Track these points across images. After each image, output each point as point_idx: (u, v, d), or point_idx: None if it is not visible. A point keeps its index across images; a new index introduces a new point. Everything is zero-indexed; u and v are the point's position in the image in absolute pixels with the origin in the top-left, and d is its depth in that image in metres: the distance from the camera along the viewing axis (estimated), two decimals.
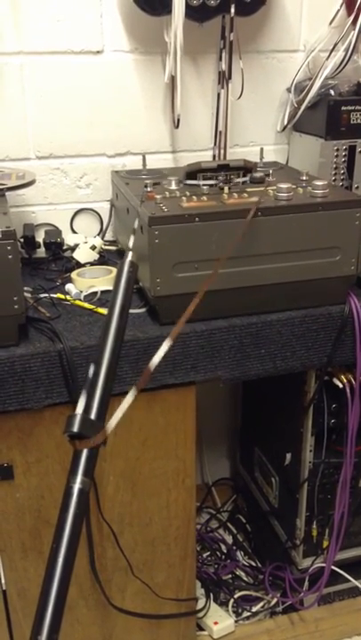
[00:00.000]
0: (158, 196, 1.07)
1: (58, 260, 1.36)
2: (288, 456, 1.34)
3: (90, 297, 1.17)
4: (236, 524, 1.70)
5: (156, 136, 1.43)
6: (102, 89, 1.36)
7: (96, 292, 1.17)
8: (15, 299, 0.97)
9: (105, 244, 1.38)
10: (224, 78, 1.36)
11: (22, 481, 1.08)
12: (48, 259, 1.37)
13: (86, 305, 1.14)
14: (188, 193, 1.10)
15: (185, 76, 1.39)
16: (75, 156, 1.40)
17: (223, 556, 1.58)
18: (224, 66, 1.35)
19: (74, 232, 1.45)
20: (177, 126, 1.35)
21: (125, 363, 1.04)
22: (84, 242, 1.34)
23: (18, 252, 0.96)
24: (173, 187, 1.15)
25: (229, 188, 1.12)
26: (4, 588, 1.15)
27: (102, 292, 1.18)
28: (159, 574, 1.24)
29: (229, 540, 1.65)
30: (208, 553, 1.61)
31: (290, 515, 1.39)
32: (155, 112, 1.40)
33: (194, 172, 1.15)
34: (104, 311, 1.11)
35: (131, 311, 1.10)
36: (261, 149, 1.34)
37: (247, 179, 1.17)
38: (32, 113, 1.34)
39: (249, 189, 1.12)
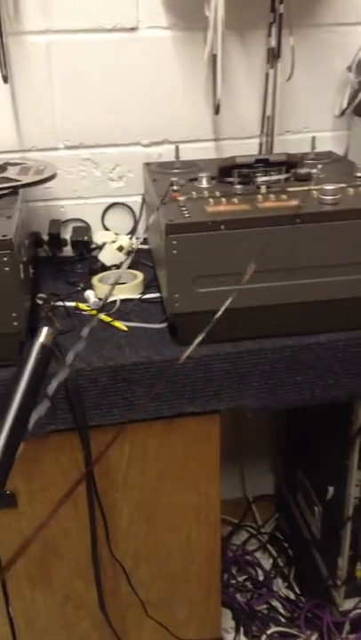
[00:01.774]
0: (182, 198, 0.93)
1: (84, 260, 1.25)
2: (331, 489, 1.19)
3: (108, 307, 1.05)
4: (278, 546, 1.56)
5: (197, 122, 1.28)
6: (137, 70, 1.22)
7: (115, 302, 1.05)
8: (14, 315, 0.87)
9: (136, 244, 1.25)
10: (273, 56, 1.19)
11: (27, 509, 0.99)
12: (74, 258, 1.26)
13: (103, 316, 1.02)
14: (218, 193, 0.96)
15: (230, 55, 1.23)
16: (106, 145, 1.27)
17: (259, 584, 1.45)
18: (274, 42, 1.18)
19: (106, 229, 1.33)
20: (217, 112, 1.20)
21: (138, 387, 0.91)
22: (111, 241, 1.22)
23: (16, 263, 0.84)
24: (204, 184, 1.01)
25: (267, 188, 0.97)
26: (11, 615, 1.07)
27: (123, 301, 1.06)
28: (180, 612, 1.13)
29: (268, 563, 1.52)
30: (245, 577, 1.49)
31: (332, 550, 1.24)
32: (195, 95, 1.25)
33: (228, 168, 1.00)
34: (121, 326, 0.99)
35: (150, 326, 0.98)
36: (313, 138, 1.17)
37: (290, 175, 1.01)
38: (60, 98, 1.22)
39: (290, 189, 0.97)
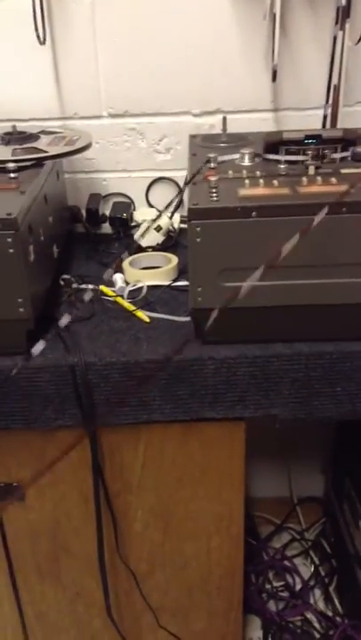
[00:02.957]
0: (215, 178, 0.82)
1: (123, 239, 1.16)
2: None
3: (135, 294, 0.96)
4: (321, 554, 1.46)
5: (255, 90, 1.15)
6: (189, 30, 1.10)
7: (142, 289, 0.96)
8: (20, 301, 0.79)
9: (177, 225, 1.15)
10: (343, 16, 1.04)
11: (35, 503, 0.93)
12: (112, 237, 1.18)
13: (126, 304, 0.93)
14: (258, 173, 0.84)
15: (294, 14, 1.09)
16: (154, 114, 1.17)
17: (295, 594, 1.36)
18: (344, 1, 1.03)
19: (150, 206, 1.24)
20: (274, 79, 1.07)
21: (154, 387, 0.83)
22: (151, 219, 1.13)
23: (22, 244, 0.77)
24: (246, 162, 0.89)
25: (316, 169, 0.84)
26: (21, 606, 1.03)
27: (150, 287, 0.97)
28: (197, 623, 1.05)
29: (308, 571, 1.42)
30: (281, 583, 1.40)
31: None
32: (253, 60, 1.12)
33: (274, 144, 0.88)
34: (143, 316, 0.90)
35: (174, 318, 0.89)
36: None
37: (348, 154, 0.88)
38: (104, 62, 1.13)
39: (344, 171, 0.84)
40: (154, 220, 1.09)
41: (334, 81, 1.09)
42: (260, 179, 0.82)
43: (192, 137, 1.08)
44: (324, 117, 1.14)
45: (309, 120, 1.17)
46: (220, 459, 0.90)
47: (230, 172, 0.85)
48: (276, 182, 0.80)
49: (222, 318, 0.66)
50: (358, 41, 1.04)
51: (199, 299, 0.80)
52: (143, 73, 1.13)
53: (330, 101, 1.12)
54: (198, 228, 0.76)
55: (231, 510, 0.94)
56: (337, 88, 1.09)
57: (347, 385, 0.84)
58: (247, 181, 0.81)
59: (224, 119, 1.04)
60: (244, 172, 0.85)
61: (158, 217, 1.02)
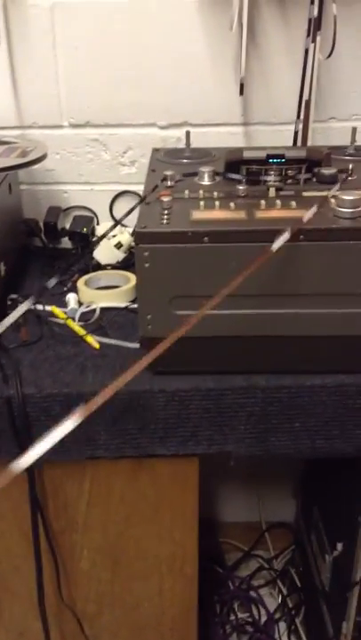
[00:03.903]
0: (167, 199, 0.76)
1: (82, 255, 1.10)
2: (339, 546, 1.01)
3: (88, 315, 0.91)
4: (289, 583, 1.40)
5: (224, 103, 1.10)
6: (155, 39, 1.05)
7: (95, 311, 0.91)
8: None
9: None
10: (314, 28, 0.99)
11: None
12: (72, 252, 1.13)
13: (76, 328, 0.88)
14: (215, 194, 0.79)
15: (265, 25, 1.04)
16: (117, 125, 1.11)
17: (260, 628, 1.30)
18: (316, 11, 0.98)
19: (115, 220, 1.18)
20: (241, 92, 1.01)
21: (100, 421, 0.77)
22: (112, 235, 1.07)
23: None
24: (205, 181, 0.84)
25: (277, 191, 0.79)
26: None
27: (105, 309, 0.91)
28: None
29: (275, 602, 1.37)
30: (247, 614, 1.34)
31: (338, 609, 1.07)
32: (223, 71, 1.07)
33: (235, 164, 0.83)
34: (93, 341, 0.85)
35: (126, 345, 0.83)
36: (354, 129, 0.97)
37: (312, 175, 0.83)
38: (65, 70, 1.07)
39: (306, 193, 0.78)
40: (104, 236, 1.03)
41: (306, 96, 1.05)
42: (216, 200, 0.76)
43: (155, 151, 1.03)
44: (295, 134, 1.09)
45: (281, 135, 1.12)
46: (173, 496, 0.84)
47: (187, 191, 0.80)
48: (232, 205, 0.75)
49: (174, 348, 0.61)
50: (329, 54, 0.99)
51: (149, 327, 0.75)
52: (106, 82, 1.08)
53: (301, 116, 1.07)
54: (146, 253, 0.71)
55: (185, 550, 0.89)
56: (308, 103, 1.05)
57: (306, 420, 0.78)
58: (203, 203, 0.76)
59: (187, 134, 0.99)
60: (202, 192, 0.79)
61: (110, 230, 0.96)
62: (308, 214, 0.69)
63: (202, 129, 1.11)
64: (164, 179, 0.83)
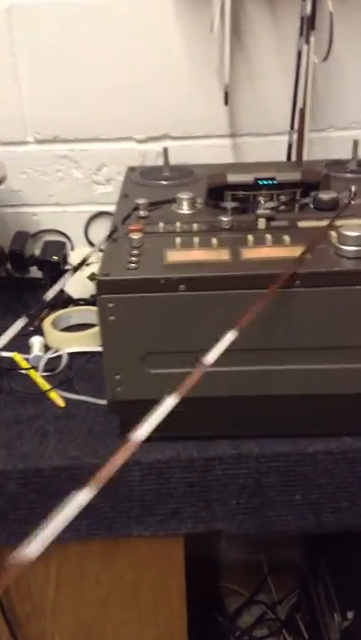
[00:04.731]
0: (137, 236, 0.64)
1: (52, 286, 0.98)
2: (350, 615, 0.90)
3: (55, 363, 0.79)
4: (295, 633, 1.28)
5: (208, 113, 0.98)
6: (128, 45, 0.93)
7: (61, 358, 0.79)
8: None
9: None
10: (308, 28, 0.87)
11: None
12: (42, 282, 1.00)
13: (39, 381, 0.76)
14: (196, 226, 0.67)
15: (254, 24, 0.92)
16: (89, 139, 0.99)
17: None
18: (309, 8, 0.86)
19: (91, 245, 1.06)
20: (226, 102, 0.89)
21: (62, 496, 0.65)
22: (86, 264, 0.95)
23: None
24: (184, 209, 0.72)
25: (268, 221, 0.67)
26: None
27: (73, 355, 0.79)
28: None
29: None
30: None
31: None
32: (206, 77, 0.95)
33: (218, 189, 0.71)
34: (57, 398, 0.73)
35: (96, 401, 0.72)
36: (355, 142, 0.85)
37: (309, 200, 0.71)
38: (27, 79, 0.95)
39: (302, 224, 0.66)
40: (81, 264, 0.91)
41: (300, 103, 0.92)
42: (195, 235, 0.64)
43: (130, 170, 0.91)
44: (289, 146, 0.96)
45: (273, 147, 1.00)
46: (154, 578, 0.72)
47: (161, 224, 0.67)
48: (215, 241, 0.63)
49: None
50: (325, 57, 0.87)
51: (118, 389, 0.63)
52: (75, 92, 0.96)
53: (296, 126, 0.95)
54: (111, 305, 0.59)
55: (171, 634, 0.77)
56: (303, 111, 0.92)
57: (308, 492, 0.67)
58: (179, 240, 0.64)
59: (165, 151, 0.87)
60: (179, 224, 0.67)
61: (81, 265, 0.84)
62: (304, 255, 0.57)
63: (184, 142, 0.99)
64: (136, 208, 0.71)
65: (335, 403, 0.63)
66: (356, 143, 0.85)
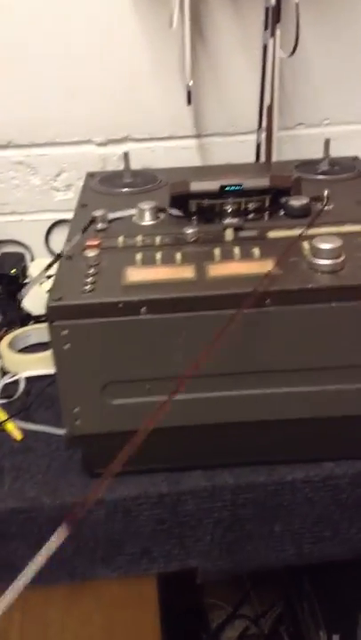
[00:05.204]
0: (93, 253, 0.59)
1: (11, 303, 0.92)
2: (336, 638, 0.85)
3: (10, 390, 0.73)
4: None
5: (171, 113, 0.92)
6: (86, 42, 0.87)
7: (18, 383, 0.73)
8: None
9: None
10: (273, 20, 0.82)
11: None
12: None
13: None
14: (158, 240, 0.61)
15: (216, 17, 0.87)
16: (46, 144, 0.93)
17: None
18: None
19: (53, 255, 1.00)
20: (189, 101, 0.84)
21: (21, 541, 0.59)
22: (47, 277, 0.89)
23: None
24: (146, 220, 0.66)
25: (238, 230, 0.62)
26: None
27: (32, 379, 0.74)
28: None
29: None
30: None
31: None
32: (168, 76, 0.90)
33: (181, 198, 0.65)
34: (14, 430, 0.67)
35: (56, 432, 0.66)
36: (327, 141, 0.80)
37: (279, 207, 0.66)
38: None
39: (272, 234, 0.61)
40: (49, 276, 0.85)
41: (267, 100, 0.87)
42: (158, 250, 0.59)
43: (90, 176, 0.85)
44: (258, 146, 0.91)
45: (241, 148, 0.95)
46: (126, 620, 0.67)
47: (121, 238, 0.62)
48: (179, 257, 0.58)
49: (113, 444, 0.44)
50: (292, 51, 0.82)
51: (78, 422, 0.57)
52: (28, 94, 0.90)
53: (264, 125, 0.90)
54: (65, 332, 0.53)
55: None
56: (270, 109, 0.87)
57: (288, 523, 0.62)
58: (140, 256, 0.58)
59: (126, 156, 0.81)
60: (140, 238, 0.62)
61: (39, 277, 0.79)
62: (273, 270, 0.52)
63: (147, 144, 0.94)
64: (93, 220, 0.65)
65: (313, 427, 0.58)
66: (327, 142, 0.80)
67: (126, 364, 0.54)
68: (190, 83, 0.80)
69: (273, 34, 0.82)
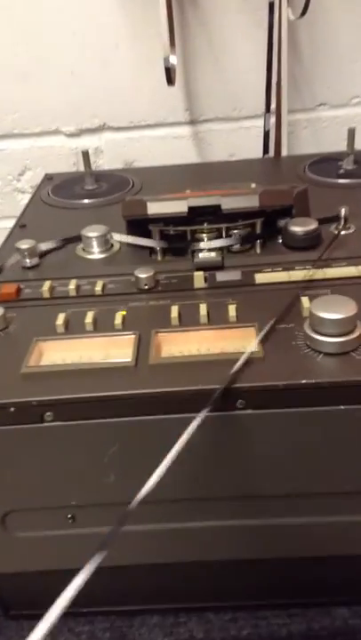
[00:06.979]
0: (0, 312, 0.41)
1: None
2: None
3: None
4: None
5: (159, 95, 0.73)
6: (53, 15, 0.69)
7: None
8: None
9: None
10: None
11: None
12: None
13: None
14: (99, 287, 0.43)
15: None
16: (5, 135, 0.76)
17: None
18: None
19: None
20: (170, 81, 0.63)
21: None
22: None
23: None
24: (93, 253, 0.48)
25: (212, 272, 0.43)
26: None
27: None
28: None
29: None
30: None
31: None
32: (152, 51, 0.70)
33: (138, 223, 0.47)
34: None
35: None
36: (351, 132, 0.60)
37: (275, 231, 0.47)
38: None
39: (264, 277, 0.42)
40: None
41: (275, 76, 0.67)
42: (93, 307, 0.41)
43: (48, 179, 0.67)
44: (266, 134, 0.71)
45: (246, 135, 0.75)
46: None
47: (48, 283, 0.44)
48: (118, 320, 0.39)
49: (25, 588, 0.28)
50: (303, 12, 0.61)
51: None
52: None
53: (272, 107, 0.70)
54: None
55: None
56: (279, 86, 0.67)
57: None
58: (63, 317, 0.40)
59: (85, 155, 0.62)
60: (74, 283, 0.44)
61: None
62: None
63: (128, 133, 0.75)
64: (21, 256, 0.48)
65: (292, 567, 0.40)
66: (351, 133, 0.60)
67: (31, 487, 0.37)
68: (170, 56, 0.60)
69: None
